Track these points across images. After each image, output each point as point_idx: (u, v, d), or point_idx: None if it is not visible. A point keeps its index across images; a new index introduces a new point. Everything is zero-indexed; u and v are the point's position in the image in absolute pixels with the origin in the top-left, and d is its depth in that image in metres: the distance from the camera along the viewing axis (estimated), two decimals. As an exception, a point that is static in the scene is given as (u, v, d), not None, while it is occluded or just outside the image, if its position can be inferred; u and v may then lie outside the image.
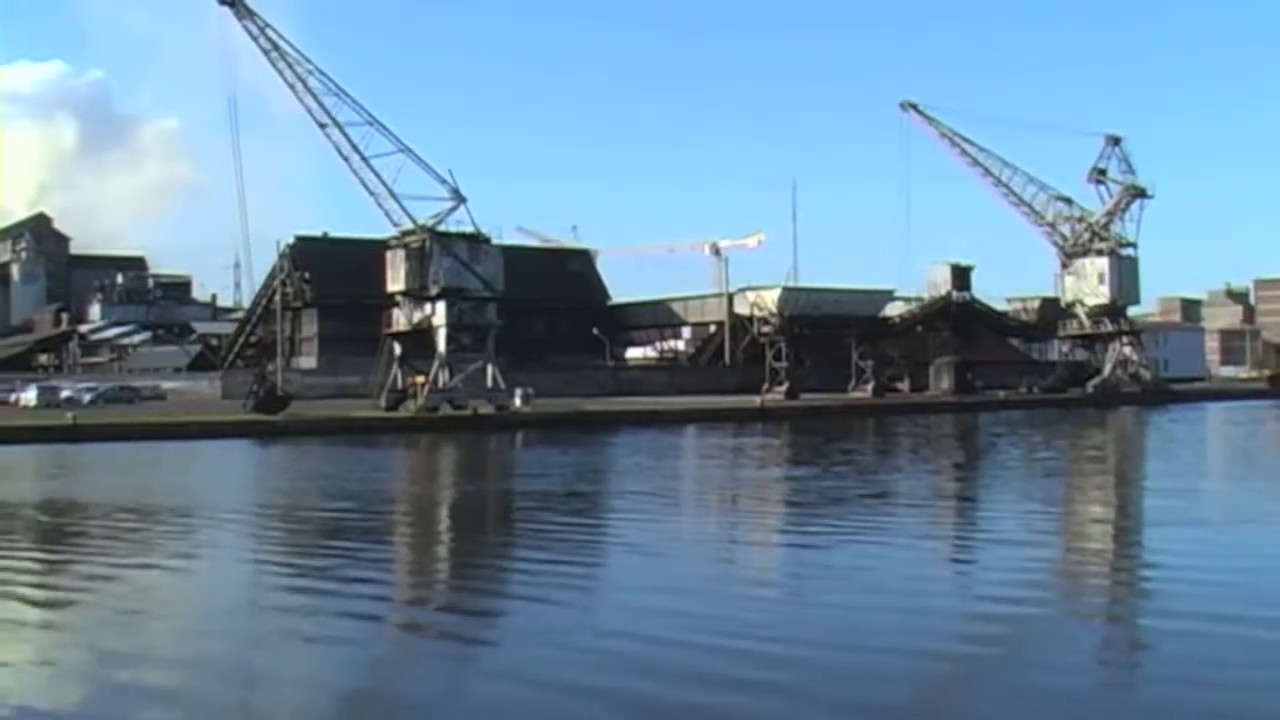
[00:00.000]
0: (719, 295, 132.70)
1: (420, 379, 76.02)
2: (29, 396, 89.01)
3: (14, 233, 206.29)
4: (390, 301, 79.80)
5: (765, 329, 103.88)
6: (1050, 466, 43.64)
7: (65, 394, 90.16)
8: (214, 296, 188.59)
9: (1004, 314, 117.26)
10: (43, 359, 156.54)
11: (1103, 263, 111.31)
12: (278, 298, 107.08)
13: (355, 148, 73.51)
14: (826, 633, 14.76)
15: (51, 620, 16.45)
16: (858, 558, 21.39)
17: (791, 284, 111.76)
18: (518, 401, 76.04)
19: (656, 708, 11.75)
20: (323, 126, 73.85)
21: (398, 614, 17.30)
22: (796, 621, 15.68)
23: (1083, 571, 20.49)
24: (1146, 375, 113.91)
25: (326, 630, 15.47)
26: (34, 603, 17.59)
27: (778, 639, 14.28)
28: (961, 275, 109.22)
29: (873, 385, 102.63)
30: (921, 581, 18.74)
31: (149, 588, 18.89)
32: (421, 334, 77.40)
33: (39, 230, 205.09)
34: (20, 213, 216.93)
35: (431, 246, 76.32)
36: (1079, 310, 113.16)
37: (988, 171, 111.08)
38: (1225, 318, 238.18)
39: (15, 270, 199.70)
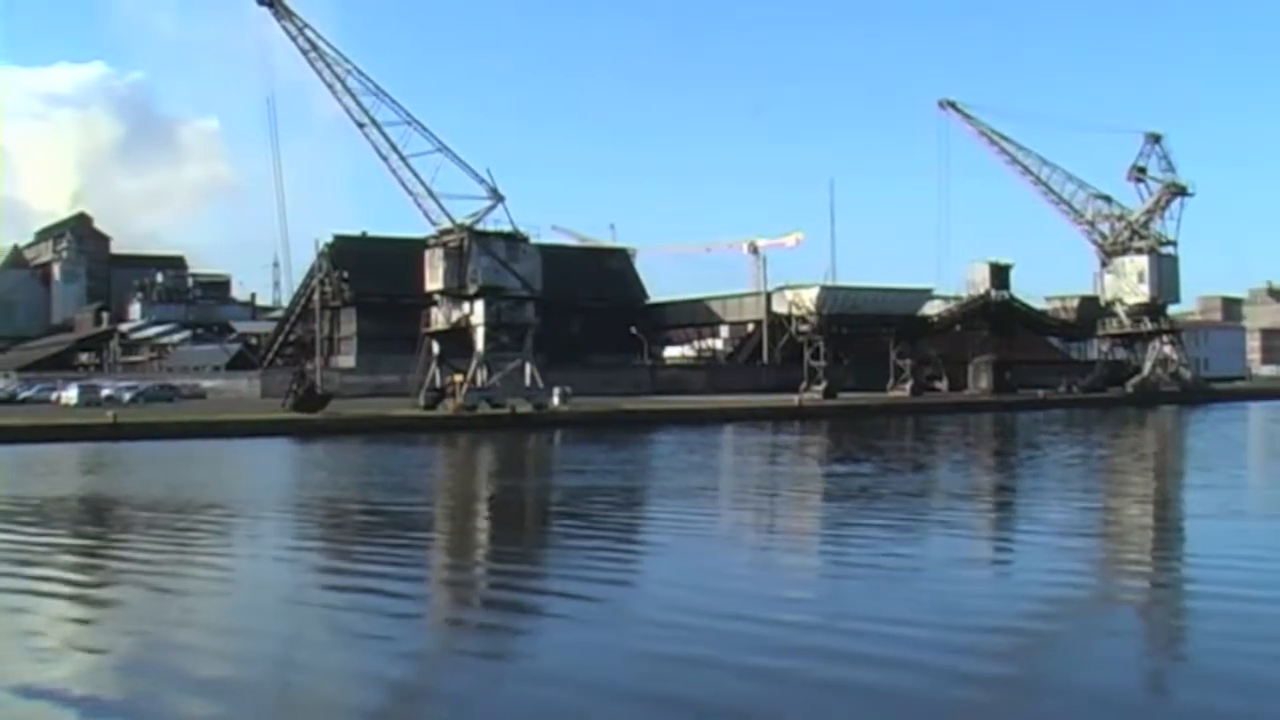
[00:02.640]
0: (757, 294, 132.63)
1: (458, 378, 76.09)
2: (70, 395, 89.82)
3: (55, 232, 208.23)
4: (428, 300, 79.96)
5: (803, 328, 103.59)
6: (1099, 464, 43.61)
7: (106, 393, 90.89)
8: (253, 296, 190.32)
9: (1043, 313, 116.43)
10: (83, 358, 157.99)
11: (1142, 261, 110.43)
12: (316, 297, 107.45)
13: (394, 147, 73.65)
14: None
15: (103, 613, 16.64)
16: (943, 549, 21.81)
17: (829, 283, 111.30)
18: (556, 400, 76.11)
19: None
20: (361, 126, 74.04)
21: (436, 610, 17.64)
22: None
23: (1133, 561, 20.52)
24: (1186, 374, 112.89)
25: (376, 625, 15.63)
26: (90, 600, 17.84)
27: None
28: (1000, 274, 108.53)
29: (911, 384, 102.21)
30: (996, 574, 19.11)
31: (197, 581, 19.00)
32: (460, 333, 77.48)
33: (80, 230, 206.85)
34: (61, 213, 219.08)
35: (470, 245, 76.38)
36: (1118, 309, 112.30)
37: (1027, 169, 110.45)
38: (1266, 317, 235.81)
39: (56, 270, 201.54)
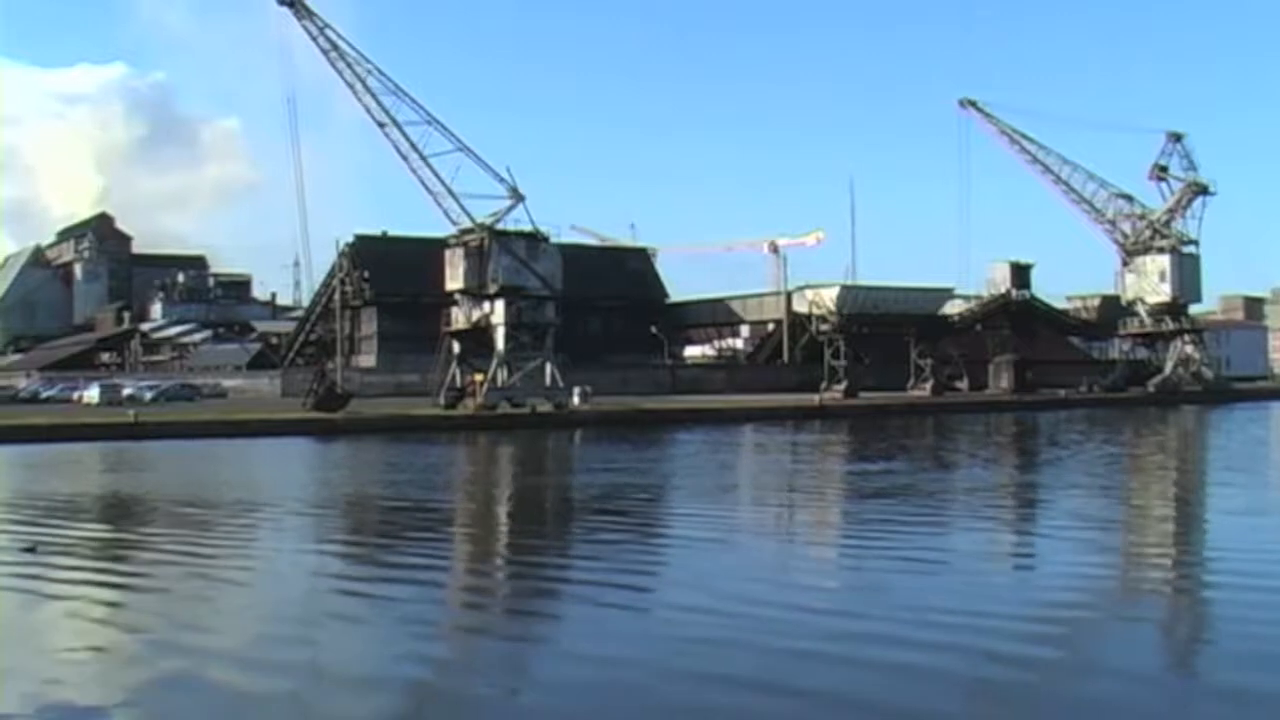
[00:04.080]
0: (777, 293, 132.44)
1: (479, 377, 76.17)
2: (92, 394, 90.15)
3: (77, 232, 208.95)
4: (449, 300, 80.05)
5: (824, 327, 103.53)
6: (1130, 462, 43.94)
7: (127, 392, 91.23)
8: (274, 295, 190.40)
9: (1064, 312, 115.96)
10: (105, 357, 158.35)
11: (1164, 260, 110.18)
12: (337, 296, 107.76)
13: (414, 147, 73.75)
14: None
15: (138, 607, 16.72)
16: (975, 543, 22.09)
17: (850, 282, 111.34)
18: (576, 400, 76.21)
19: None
20: (382, 126, 74.12)
21: (495, 598, 18.18)
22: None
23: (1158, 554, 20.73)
24: (1208, 374, 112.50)
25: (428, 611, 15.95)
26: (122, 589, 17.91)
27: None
28: (1021, 273, 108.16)
29: (931, 384, 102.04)
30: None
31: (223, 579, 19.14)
32: (480, 332, 77.51)
33: (101, 230, 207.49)
34: (83, 213, 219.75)
35: (490, 245, 76.41)
36: (1140, 308, 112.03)
37: (1047, 169, 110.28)
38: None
39: (78, 269, 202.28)
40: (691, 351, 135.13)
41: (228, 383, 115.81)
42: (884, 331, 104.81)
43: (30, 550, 21.30)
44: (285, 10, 73.97)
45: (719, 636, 14.24)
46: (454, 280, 78.47)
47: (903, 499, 30.03)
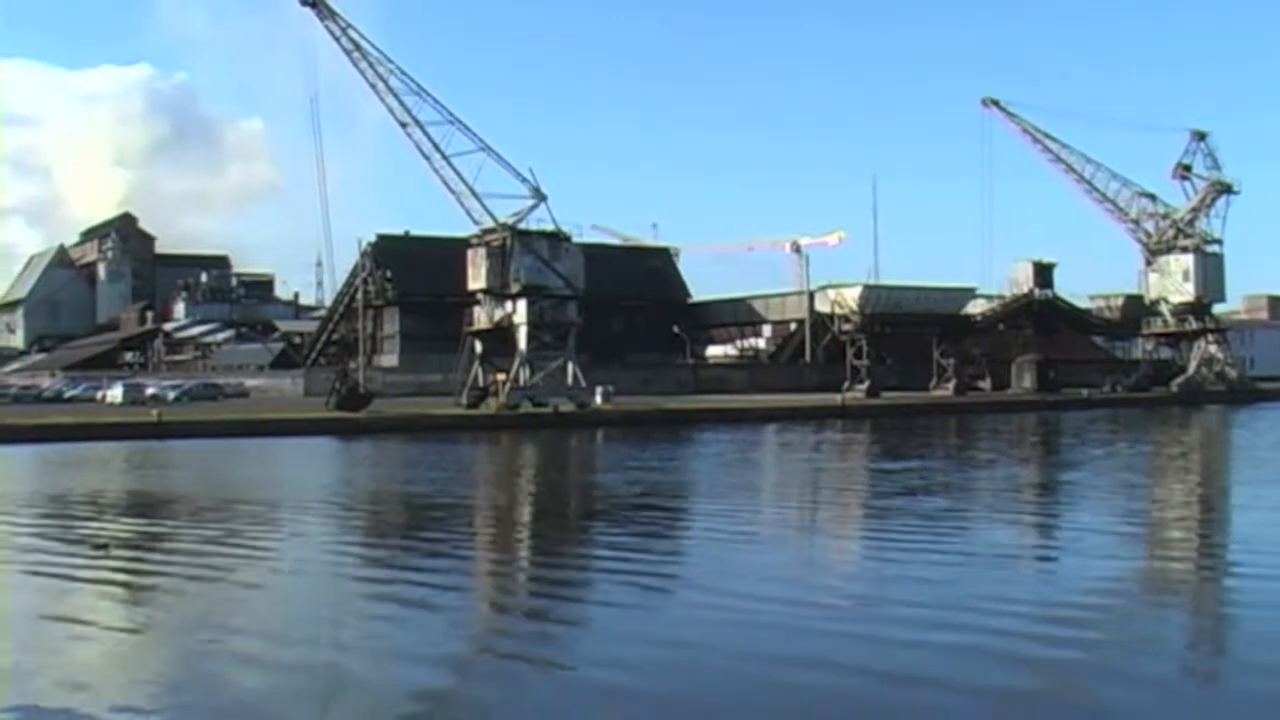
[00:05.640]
0: (800, 293, 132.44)
1: (501, 377, 76.26)
2: (115, 394, 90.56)
3: (100, 232, 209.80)
4: (471, 299, 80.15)
5: (846, 327, 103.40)
6: (1162, 462, 44.22)
7: (150, 391, 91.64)
8: (296, 295, 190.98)
9: (1087, 312, 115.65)
10: (128, 357, 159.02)
11: (1188, 260, 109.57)
12: (360, 296, 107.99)
13: (436, 147, 73.82)
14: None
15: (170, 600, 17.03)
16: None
17: (872, 282, 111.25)
18: (599, 399, 76.29)
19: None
20: (404, 126, 74.19)
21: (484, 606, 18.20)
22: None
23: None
24: (1232, 374, 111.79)
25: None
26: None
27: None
28: (1044, 272, 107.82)
29: (954, 383, 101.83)
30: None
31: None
32: (502, 332, 77.59)
33: (125, 230, 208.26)
34: (106, 213, 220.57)
35: (512, 244, 76.47)
36: (1163, 308, 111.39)
37: (1070, 168, 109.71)
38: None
39: (102, 269, 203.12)
40: (713, 351, 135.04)
41: (250, 382, 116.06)
42: (906, 331, 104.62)
43: (103, 549, 21.42)
44: (308, 11, 74.14)
45: (791, 624, 14.99)
46: (476, 280, 78.56)
47: (945, 494, 30.81)
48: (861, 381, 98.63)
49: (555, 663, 13.58)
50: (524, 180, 75.43)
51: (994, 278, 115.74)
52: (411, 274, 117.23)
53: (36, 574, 19.17)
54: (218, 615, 15.99)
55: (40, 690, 11.99)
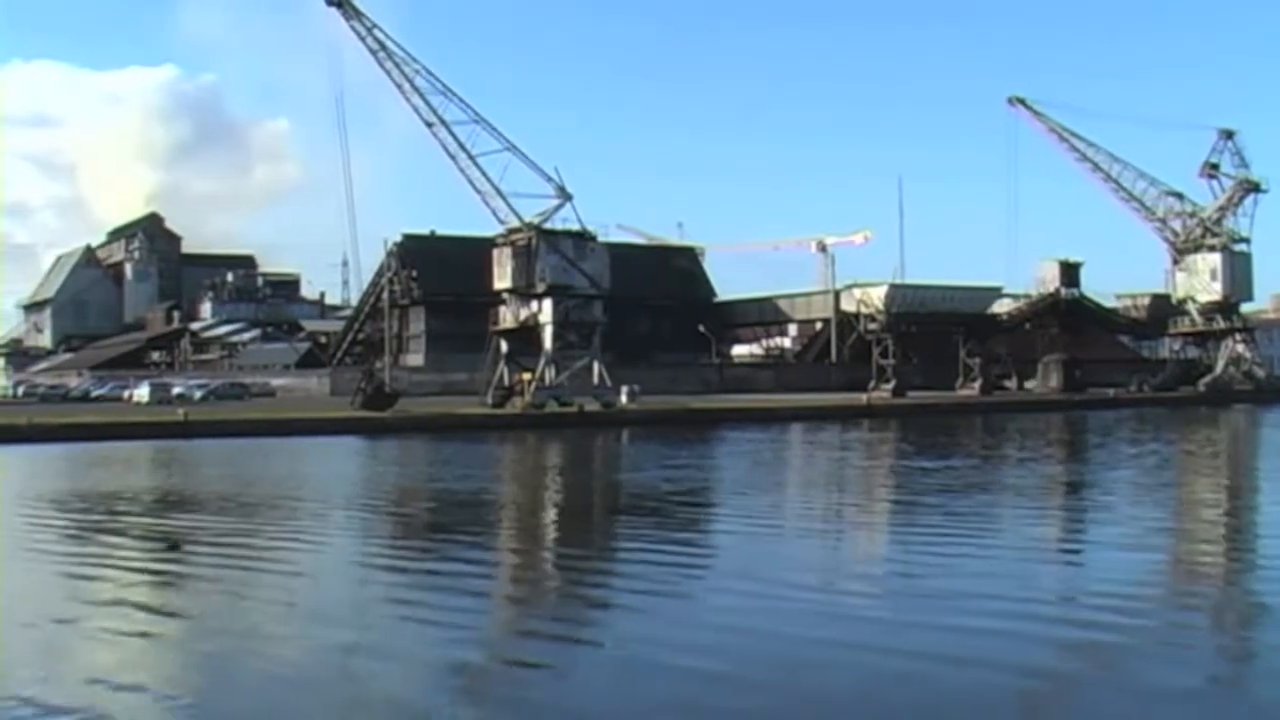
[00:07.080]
0: (825, 292, 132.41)
1: (527, 376, 76.32)
2: (142, 393, 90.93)
3: (127, 232, 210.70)
4: (497, 299, 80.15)
5: (872, 326, 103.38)
6: (1196, 461, 44.21)
7: (177, 390, 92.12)
8: (322, 294, 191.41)
9: (1113, 311, 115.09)
10: (155, 356, 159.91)
11: (1215, 258, 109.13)
12: (385, 295, 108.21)
13: (462, 146, 73.88)
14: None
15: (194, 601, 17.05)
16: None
17: (898, 281, 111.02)
18: (624, 398, 76.32)
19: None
20: (430, 125, 74.27)
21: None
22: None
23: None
24: (1260, 373, 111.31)
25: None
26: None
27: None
28: (1070, 272, 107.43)
29: (980, 383, 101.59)
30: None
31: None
32: (528, 331, 77.63)
33: (151, 230, 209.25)
34: (134, 213, 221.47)
35: (538, 244, 76.52)
36: (1190, 307, 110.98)
37: (1097, 166, 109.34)
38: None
39: (129, 269, 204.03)
40: (739, 350, 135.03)
41: (276, 382, 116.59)
42: (932, 330, 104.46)
43: (174, 548, 21.55)
44: (333, 11, 74.28)
45: (832, 610, 15.71)
46: (502, 279, 78.61)
47: (984, 491, 31.16)
48: (887, 381, 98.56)
49: (610, 643, 14.27)
50: (549, 180, 75.63)
51: (1020, 277, 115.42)
52: (437, 273, 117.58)
53: (114, 568, 19.44)
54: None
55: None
